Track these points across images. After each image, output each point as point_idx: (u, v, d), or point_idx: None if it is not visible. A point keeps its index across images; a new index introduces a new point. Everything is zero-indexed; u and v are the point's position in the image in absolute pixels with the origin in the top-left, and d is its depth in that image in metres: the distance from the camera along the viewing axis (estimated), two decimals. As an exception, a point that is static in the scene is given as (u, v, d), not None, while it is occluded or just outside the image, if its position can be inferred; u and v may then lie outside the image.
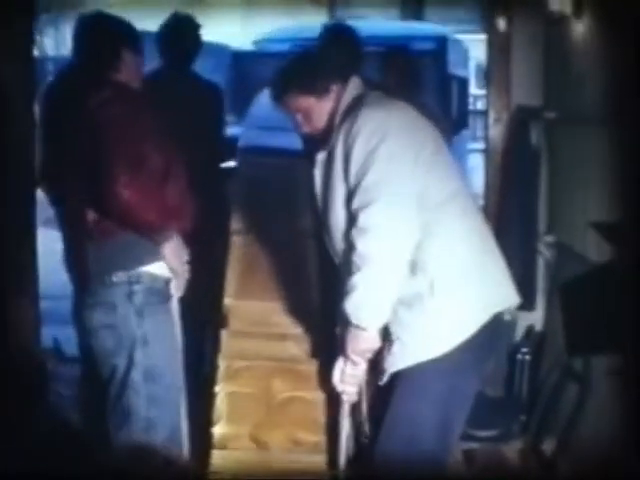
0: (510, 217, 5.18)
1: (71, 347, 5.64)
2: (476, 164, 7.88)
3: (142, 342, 3.41)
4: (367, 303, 2.90)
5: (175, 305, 3.54)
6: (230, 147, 5.03)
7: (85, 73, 3.66)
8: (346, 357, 3.02)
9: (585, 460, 4.02)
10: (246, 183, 4.33)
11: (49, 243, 6.09)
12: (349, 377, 3.06)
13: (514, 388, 5.19)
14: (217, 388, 3.42)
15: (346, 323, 2.96)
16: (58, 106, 4.20)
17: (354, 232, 2.90)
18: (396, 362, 3.01)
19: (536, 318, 5.24)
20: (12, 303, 4.69)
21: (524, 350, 5.20)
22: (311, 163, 3.21)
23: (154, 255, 3.45)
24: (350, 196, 2.97)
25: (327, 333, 3.28)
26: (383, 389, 3.09)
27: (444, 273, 2.99)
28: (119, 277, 3.42)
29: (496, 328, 3.08)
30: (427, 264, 2.97)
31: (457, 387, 3.06)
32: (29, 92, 4.78)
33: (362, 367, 3.05)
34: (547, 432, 4.53)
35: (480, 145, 7.01)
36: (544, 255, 5.05)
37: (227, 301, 3.68)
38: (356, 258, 2.89)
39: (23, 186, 4.71)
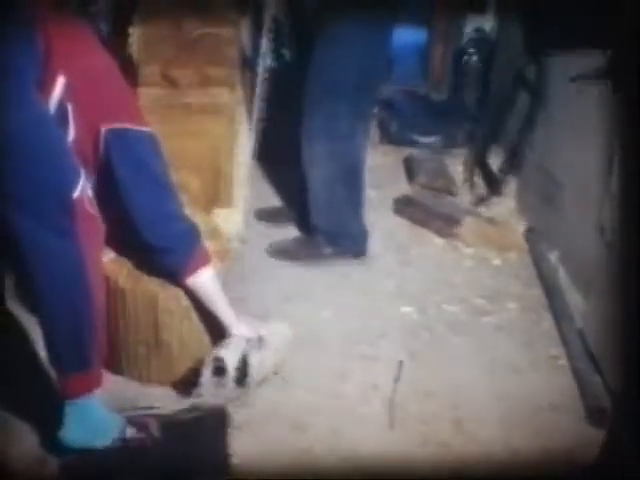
0: None
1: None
2: None
3: None
4: None
5: None
6: None
7: None
8: None
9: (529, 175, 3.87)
10: None
11: None
12: None
13: (461, 92, 4.96)
14: (130, 30, 3.45)
15: None
16: None
17: None
18: None
19: (486, 21, 4.91)
20: None
21: (471, 51, 4.95)
22: None
23: None
24: None
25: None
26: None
27: None
28: None
29: None
30: None
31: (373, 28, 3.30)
32: None
33: None
34: (494, 143, 4.31)
35: None
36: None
37: None
38: None
39: None
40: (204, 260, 2.63)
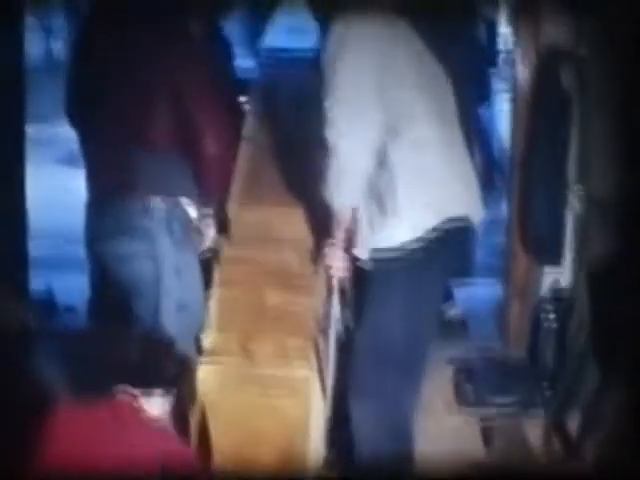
0: (538, 164, 4.84)
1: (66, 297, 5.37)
2: (503, 107, 7.59)
3: (177, 272, 3.46)
4: (335, 188, 3.35)
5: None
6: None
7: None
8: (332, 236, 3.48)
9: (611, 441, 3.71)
10: (260, 91, 4.36)
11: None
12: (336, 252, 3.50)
13: (538, 352, 4.88)
14: (210, 293, 3.52)
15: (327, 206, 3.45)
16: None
17: (326, 128, 3.33)
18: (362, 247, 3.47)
19: (562, 274, 4.91)
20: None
21: (549, 308, 4.89)
22: None
23: (191, 190, 3.52)
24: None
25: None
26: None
27: (404, 172, 3.37)
28: (157, 204, 3.43)
29: (455, 232, 3.42)
30: (390, 163, 3.36)
31: (421, 287, 3.44)
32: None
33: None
34: (571, 405, 4.20)
35: (507, 85, 6.69)
36: (573, 207, 4.70)
37: (230, 206, 3.69)
38: (328, 151, 3.32)
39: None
40: None
